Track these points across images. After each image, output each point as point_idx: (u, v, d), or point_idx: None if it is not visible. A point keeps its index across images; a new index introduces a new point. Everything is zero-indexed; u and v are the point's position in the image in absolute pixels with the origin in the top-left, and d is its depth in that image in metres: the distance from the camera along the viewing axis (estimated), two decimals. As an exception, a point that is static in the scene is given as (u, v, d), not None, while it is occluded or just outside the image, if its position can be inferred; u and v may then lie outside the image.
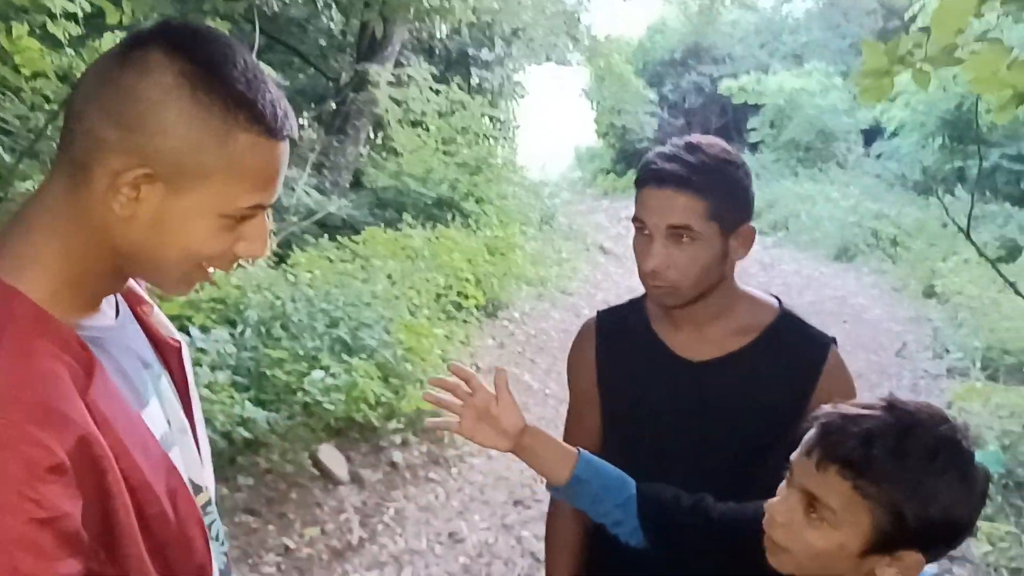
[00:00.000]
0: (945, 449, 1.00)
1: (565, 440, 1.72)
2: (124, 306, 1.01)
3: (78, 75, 3.80)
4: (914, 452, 0.99)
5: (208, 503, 1.06)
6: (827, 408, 1.07)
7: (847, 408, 1.05)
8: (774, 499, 1.10)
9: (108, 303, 0.96)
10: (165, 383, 1.03)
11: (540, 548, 3.59)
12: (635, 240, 1.46)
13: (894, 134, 13.20)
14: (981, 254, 3.42)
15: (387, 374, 4.35)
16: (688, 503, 1.36)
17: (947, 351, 6.47)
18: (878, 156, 14.52)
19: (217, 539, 1.06)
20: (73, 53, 3.93)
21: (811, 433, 1.06)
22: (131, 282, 1.05)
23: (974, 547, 3.65)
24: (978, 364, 5.87)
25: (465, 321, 6.07)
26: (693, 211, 1.37)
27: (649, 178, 1.41)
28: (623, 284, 8.18)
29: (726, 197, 1.39)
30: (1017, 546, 3.57)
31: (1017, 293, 2.79)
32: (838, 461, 1.00)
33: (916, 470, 0.99)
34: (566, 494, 1.40)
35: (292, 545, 3.36)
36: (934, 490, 0.98)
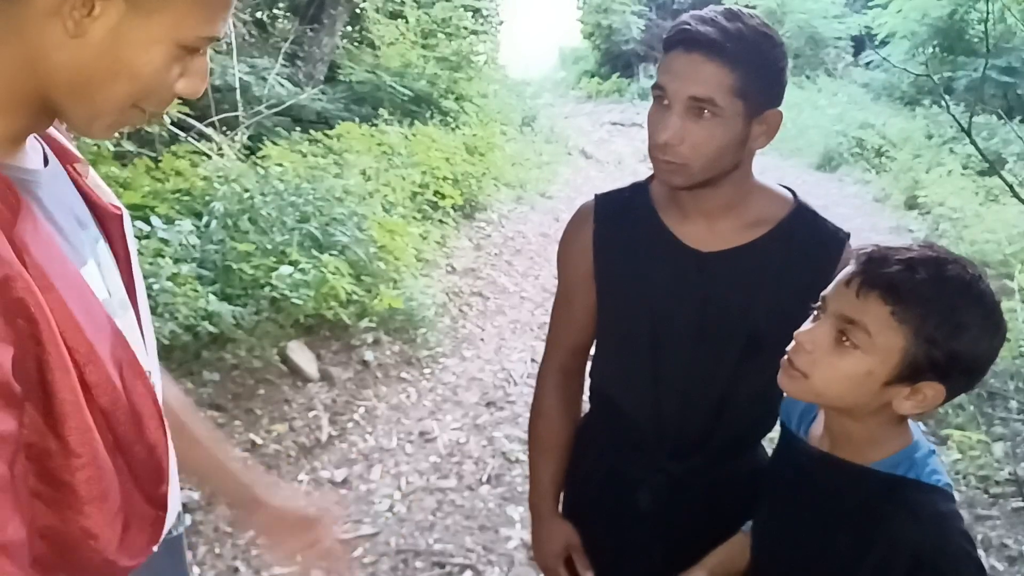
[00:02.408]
0: (978, 284, 1.04)
1: (551, 332, 1.63)
2: (53, 158, 0.89)
3: None
4: (952, 281, 1.03)
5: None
6: (866, 246, 1.10)
7: (888, 245, 1.08)
8: (803, 328, 1.11)
9: (34, 149, 0.84)
10: (104, 250, 0.92)
11: (511, 448, 3.60)
12: (651, 110, 1.33)
13: (884, 42, 12.94)
14: (982, 155, 3.31)
15: (359, 272, 4.25)
16: None
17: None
18: (867, 65, 14.29)
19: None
20: None
21: (851, 265, 1.08)
22: (61, 138, 0.93)
23: (944, 455, 3.67)
24: (957, 275, 5.85)
25: (441, 221, 5.95)
26: (720, 83, 1.24)
27: (678, 40, 1.27)
28: (604, 189, 8.04)
29: (758, 74, 1.26)
30: (987, 454, 3.60)
31: (1015, 195, 2.70)
32: (880, 286, 1.03)
33: (953, 297, 1.02)
34: None
35: (259, 441, 3.30)
36: (966, 320, 1.02)
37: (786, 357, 1.11)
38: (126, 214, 0.99)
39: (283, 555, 1.27)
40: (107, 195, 0.97)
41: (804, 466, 1.21)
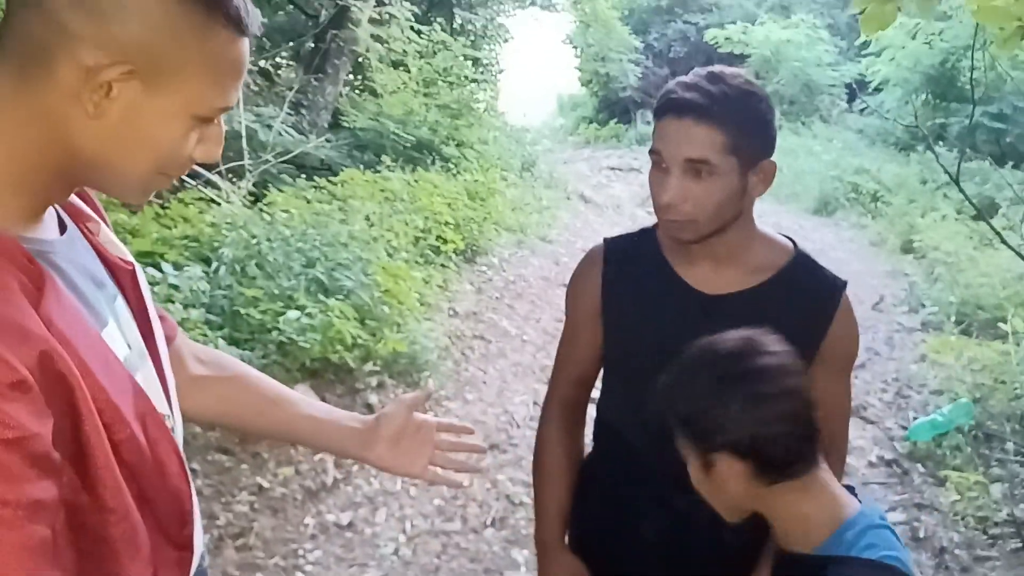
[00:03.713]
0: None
1: (556, 366, 1.69)
2: (69, 221, 0.94)
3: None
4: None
5: (173, 432, 1.01)
6: None
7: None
8: None
9: (50, 217, 0.89)
10: (121, 305, 0.97)
11: (515, 491, 3.63)
12: (651, 173, 1.42)
13: (878, 89, 13.15)
14: (971, 203, 3.40)
15: (364, 316, 4.30)
16: None
17: (923, 305, 6.52)
18: (861, 111, 14.49)
19: None
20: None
21: None
22: (74, 198, 0.98)
23: (943, 496, 3.70)
24: (952, 318, 5.91)
25: (443, 265, 6.02)
26: (712, 144, 1.32)
27: (668, 108, 1.36)
28: (603, 233, 8.04)
29: (747, 130, 1.34)
30: (985, 495, 3.63)
31: (1003, 242, 2.78)
32: None
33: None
34: None
35: (266, 484, 3.34)
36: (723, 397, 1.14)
37: None
38: (138, 267, 1.04)
39: (417, 469, 1.31)
40: (118, 249, 1.02)
41: (775, 563, 1.28)
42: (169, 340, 1.17)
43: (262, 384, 1.30)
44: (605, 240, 1.61)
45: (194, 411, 1.24)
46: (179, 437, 1.04)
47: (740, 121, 1.33)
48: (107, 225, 1.04)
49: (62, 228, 0.91)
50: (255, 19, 0.85)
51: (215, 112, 0.86)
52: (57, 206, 0.92)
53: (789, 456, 1.12)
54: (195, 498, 0.99)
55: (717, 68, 1.40)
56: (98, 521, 0.81)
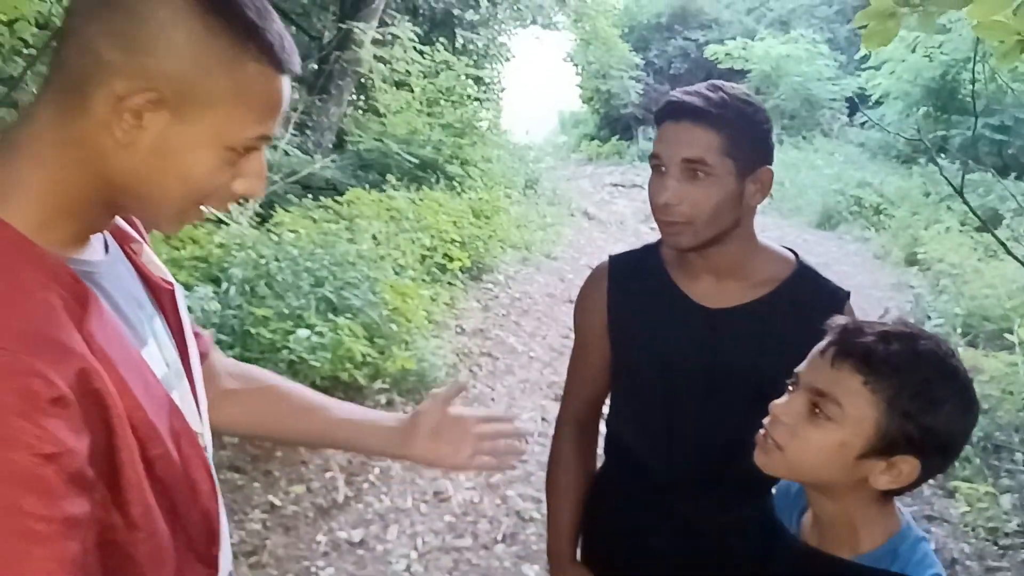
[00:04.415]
0: (951, 360, 1.04)
1: (568, 385, 1.71)
2: (113, 243, 0.96)
3: (57, 21, 3.69)
4: (925, 355, 1.03)
5: (205, 451, 1.03)
6: (840, 318, 1.11)
7: (862, 319, 1.10)
8: (778, 400, 1.11)
9: (96, 237, 0.91)
10: (160, 324, 0.99)
11: (525, 507, 3.64)
12: (650, 180, 1.45)
13: (879, 102, 13.20)
14: (975, 214, 3.42)
15: (373, 334, 4.33)
16: None
17: (928, 318, 6.52)
18: (862, 125, 14.54)
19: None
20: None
21: (826, 338, 1.09)
22: (119, 219, 1.00)
23: (952, 507, 3.70)
24: (959, 330, 5.92)
25: (450, 283, 6.05)
26: (708, 145, 1.36)
27: (668, 112, 1.40)
28: (607, 249, 8.11)
29: (743, 135, 1.38)
30: (995, 506, 3.63)
31: (1008, 252, 2.80)
32: (854, 356, 1.03)
33: (926, 371, 1.02)
34: None
35: (278, 502, 3.36)
36: (940, 396, 1.01)
37: (762, 432, 1.11)
38: (177, 287, 1.06)
39: (460, 460, 1.31)
40: (159, 270, 1.04)
41: (794, 562, 1.20)
42: (204, 356, 1.19)
43: (296, 393, 1.32)
44: (610, 257, 1.64)
45: (230, 424, 1.27)
46: (210, 455, 1.06)
47: (737, 125, 1.37)
48: (148, 245, 1.06)
49: (106, 248, 0.93)
50: (292, 55, 0.86)
51: (248, 143, 0.86)
52: None
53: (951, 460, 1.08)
54: (224, 517, 1.01)
55: (718, 81, 1.45)
56: (127, 539, 0.82)
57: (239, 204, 4.85)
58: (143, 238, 1.05)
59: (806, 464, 1.06)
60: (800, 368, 1.10)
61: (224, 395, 1.24)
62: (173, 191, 0.85)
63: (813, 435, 1.05)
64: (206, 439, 1.04)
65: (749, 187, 1.42)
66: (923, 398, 1.01)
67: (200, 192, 0.87)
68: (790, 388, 1.11)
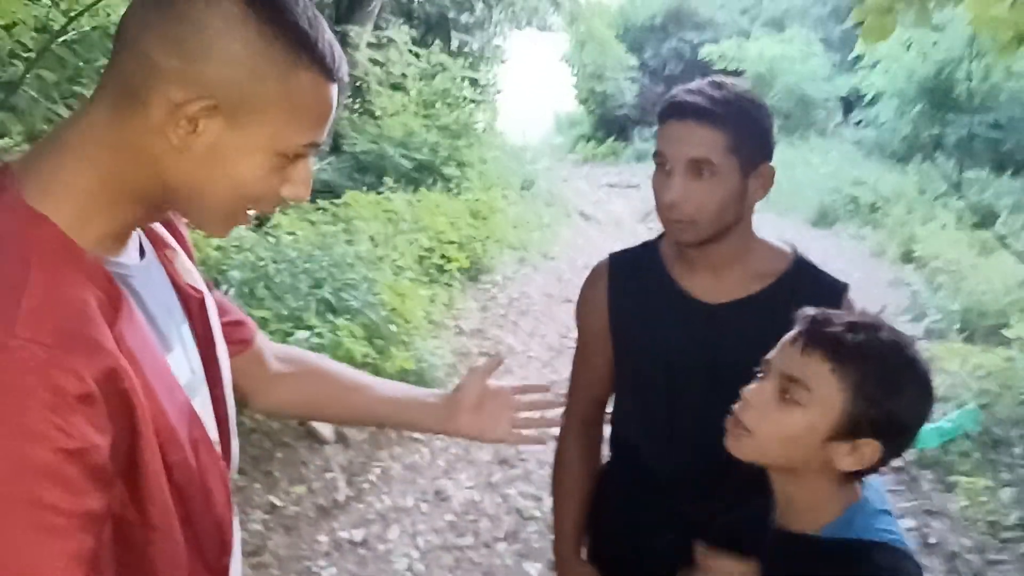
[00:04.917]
0: (912, 350, 1.10)
1: (572, 385, 1.71)
2: (149, 247, 0.98)
3: (55, 25, 3.68)
4: (889, 345, 1.09)
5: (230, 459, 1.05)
6: (809, 309, 1.16)
7: (830, 310, 1.15)
8: (748, 386, 1.15)
9: (132, 242, 0.92)
10: (187, 331, 1.00)
11: (525, 505, 3.65)
12: (654, 177, 1.45)
13: (873, 101, 13.23)
14: (973, 211, 3.42)
15: (372, 335, 4.33)
16: None
17: (926, 314, 6.54)
18: (857, 123, 14.57)
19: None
20: (49, 2, 3.83)
21: (796, 327, 1.14)
22: (157, 225, 1.01)
23: (952, 502, 3.71)
24: (956, 326, 5.94)
25: (448, 284, 6.05)
26: (713, 144, 1.36)
27: (671, 111, 1.40)
28: (604, 249, 7.99)
29: (747, 132, 1.39)
30: (994, 500, 3.64)
31: (1004, 246, 2.80)
32: (824, 344, 1.08)
33: (890, 359, 1.08)
34: None
35: (279, 503, 3.36)
36: (903, 382, 1.08)
37: (732, 417, 1.15)
38: (207, 295, 1.07)
39: (501, 433, 1.34)
40: (192, 277, 1.05)
41: (770, 545, 1.23)
42: (249, 343, 1.22)
43: (340, 373, 1.35)
44: (609, 256, 1.64)
45: (279, 406, 1.32)
46: (235, 460, 1.07)
47: (740, 123, 1.37)
48: (187, 250, 1.07)
49: (142, 253, 0.95)
50: (342, 64, 0.88)
51: (298, 150, 0.88)
52: (140, 233, 0.96)
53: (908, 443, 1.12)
54: (237, 528, 1.02)
55: (719, 77, 1.45)
56: (142, 537, 0.83)
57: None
58: (184, 245, 1.06)
59: (775, 446, 1.11)
60: (771, 355, 1.15)
61: (274, 379, 1.27)
62: (223, 195, 0.87)
63: (782, 418, 1.10)
64: (233, 447, 1.06)
65: (752, 183, 1.42)
66: (887, 384, 1.06)
67: (249, 197, 0.89)
68: (760, 375, 1.15)
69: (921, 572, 1.10)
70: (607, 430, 1.72)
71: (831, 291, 1.49)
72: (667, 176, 1.41)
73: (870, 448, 1.08)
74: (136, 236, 0.94)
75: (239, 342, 1.18)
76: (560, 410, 1.62)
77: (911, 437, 1.11)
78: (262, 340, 1.28)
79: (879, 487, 1.19)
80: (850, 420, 1.07)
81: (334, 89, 0.88)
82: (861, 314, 1.14)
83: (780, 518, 1.20)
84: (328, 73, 0.86)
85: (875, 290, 7.45)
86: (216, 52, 0.80)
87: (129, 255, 0.91)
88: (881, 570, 1.07)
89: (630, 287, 1.58)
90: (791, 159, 12.52)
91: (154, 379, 0.83)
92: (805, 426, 1.08)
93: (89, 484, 0.73)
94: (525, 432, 1.36)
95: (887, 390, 1.06)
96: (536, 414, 1.37)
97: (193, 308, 1.03)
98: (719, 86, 1.40)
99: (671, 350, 1.52)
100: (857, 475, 1.13)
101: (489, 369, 1.35)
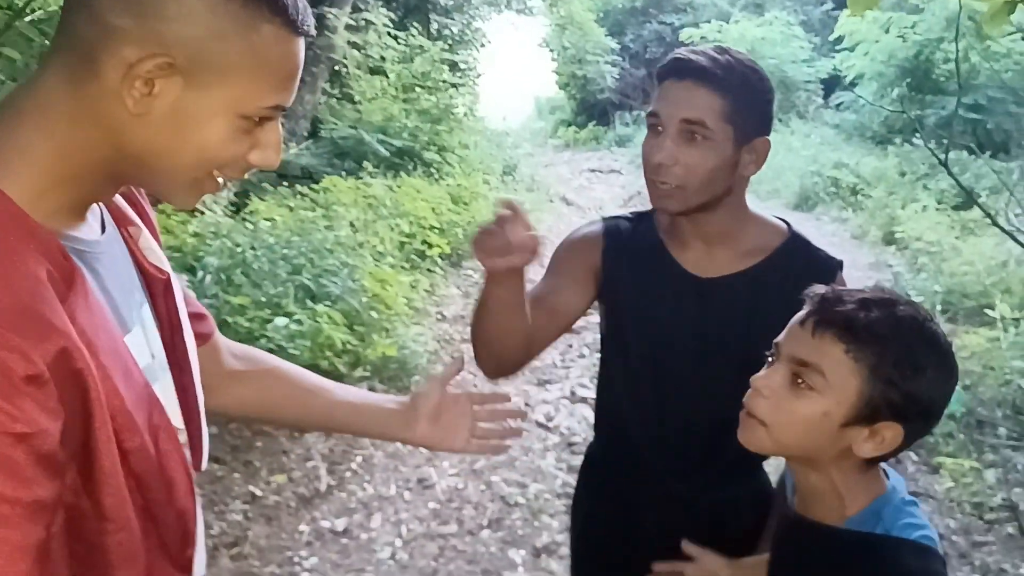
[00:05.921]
0: (932, 325, 1.03)
1: (530, 298, 1.46)
2: (111, 224, 0.92)
3: (19, 3, 3.58)
4: (906, 322, 1.02)
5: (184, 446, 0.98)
6: (819, 287, 1.09)
7: (840, 287, 1.09)
8: (758, 374, 1.09)
9: (94, 216, 0.87)
10: (148, 313, 0.95)
11: (509, 492, 3.61)
12: (646, 139, 1.40)
13: (853, 84, 13.24)
14: (961, 187, 3.39)
15: (352, 322, 4.28)
16: None
17: (908, 296, 6.55)
18: (837, 106, 14.58)
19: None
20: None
21: (805, 308, 1.07)
22: (120, 200, 0.96)
23: (937, 484, 3.71)
24: (938, 307, 5.94)
25: (429, 270, 6.00)
26: (710, 107, 1.32)
27: (671, 70, 1.36)
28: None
29: (745, 101, 1.35)
30: (979, 481, 3.64)
31: (995, 224, 2.77)
32: (835, 324, 1.02)
33: (908, 338, 1.01)
34: None
35: (259, 492, 3.30)
36: (922, 362, 1.01)
37: (744, 410, 1.08)
38: (173, 277, 1.01)
39: (459, 444, 1.32)
40: (156, 257, 0.99)
41: (786, 531, 1.18)
42: (207, 337, 1.17)
43: (297, 375, 1.31)
44: (603, 220, 1.58)
45: (232, 405, 1.26)
46: (205, 451, 1.02)
47: (740, 91, 1.34)
48: (153, 231, 1.01)
49: (103, 229, 0.90)
50: (307, 15, 0.83)
51: (263, 112, 0.83)
52: (102, 207, 0.91)
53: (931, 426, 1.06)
54: (200, 519, 0.97)
55: (724, 45, 1.41)
56: (96, 528, 0.79)
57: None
58: (148, 223, 1.01)
59: (791, 438, 1.05)
60: (780, 339, 1.08)
61: (228, 376, 1.23)
62: (187, 161, 0.82)
63: (797, 406, 1.03)
64: (203, 437, 1.01)
65: (745, 156, 1.38)
66: (905, 364, 1.00)
67: (215, 162, 0.84)
68: (769, 360, 1.09)
69: (947, 572, 1.04)
70: (590, 415, 1.68)
71: (825, 268, 1.46)
72: (659, 137, 1.36)
73: (891, 432, 1.02)
74: (97, 210, 0.89)
75: (199, 335, 1.12)
76: (521, 421, 1.52)
77: (935, 418, 1.05)
78: (219, 336, 1.24)
79: (893, 472, 1.14)
80: (868, 404, 1.00)
81: (300, 44, 0.83)
82: (875, 289, 1.07)
83: (799, 505, 1.14)
84: (292, 26, 0.81)
85: (857, 273, 7.46)
86: (171, 8, 0.75)
87: (89, 230, 0.86)
88: (910, 573, 1.01)
89: (623, 258, 1.53)
90: (773, 143, 12.50)
91: (109, 360, 0.78)
92: (821, 412, 1.02)
93: (38, 471, 0.69)
94: (483, 443, 1.33)
95: (906, 371, 0.99)
96: (496, 425, 1.35)
97: (156, 289, 0.98)
98: (724, 51, 1.37)
99: (662, 326, 1.49)
100: (879, 459, 1.07)
101: (448, 376, 1.32)
